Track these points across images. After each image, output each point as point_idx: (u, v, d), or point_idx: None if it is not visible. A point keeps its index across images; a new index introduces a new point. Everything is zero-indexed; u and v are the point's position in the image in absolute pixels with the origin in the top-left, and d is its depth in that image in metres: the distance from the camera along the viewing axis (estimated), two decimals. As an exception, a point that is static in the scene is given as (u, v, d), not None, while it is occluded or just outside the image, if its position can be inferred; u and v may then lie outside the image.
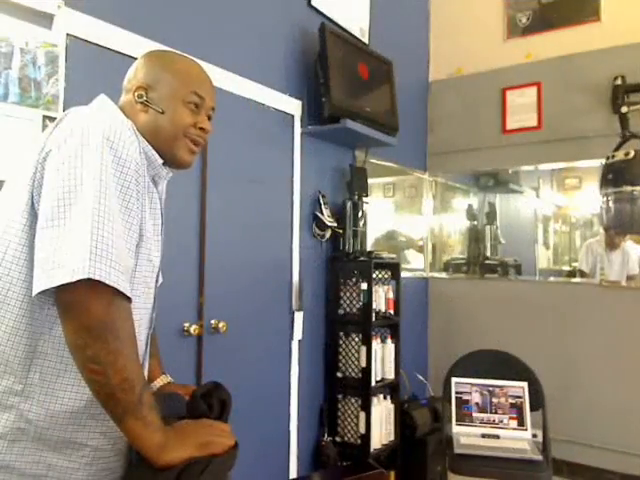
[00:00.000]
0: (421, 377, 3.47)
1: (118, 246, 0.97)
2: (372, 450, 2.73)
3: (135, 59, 1.18)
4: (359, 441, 2.73)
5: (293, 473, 2.67)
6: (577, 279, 3.42)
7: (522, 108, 3.57)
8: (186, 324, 2.13)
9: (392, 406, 2.94)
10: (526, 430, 2.58)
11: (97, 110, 1.09)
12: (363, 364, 2.73)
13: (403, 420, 3.01)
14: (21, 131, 1.62)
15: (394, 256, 3.11)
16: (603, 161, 3.04)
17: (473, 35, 3.81)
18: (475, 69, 3.78)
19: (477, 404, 2.65)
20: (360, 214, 2.94)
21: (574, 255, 3.53)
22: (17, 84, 1.61)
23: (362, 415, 2.72)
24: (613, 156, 2.97)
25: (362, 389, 2.74)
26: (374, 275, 2.82)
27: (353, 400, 2.78)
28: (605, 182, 2.97)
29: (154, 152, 1.13)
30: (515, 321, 3.50)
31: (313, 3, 2.83)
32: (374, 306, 2.80)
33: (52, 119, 1.64)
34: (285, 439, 2.64)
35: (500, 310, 3.57)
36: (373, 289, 2.77)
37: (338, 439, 2.81)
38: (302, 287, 2.72)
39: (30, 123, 1.63)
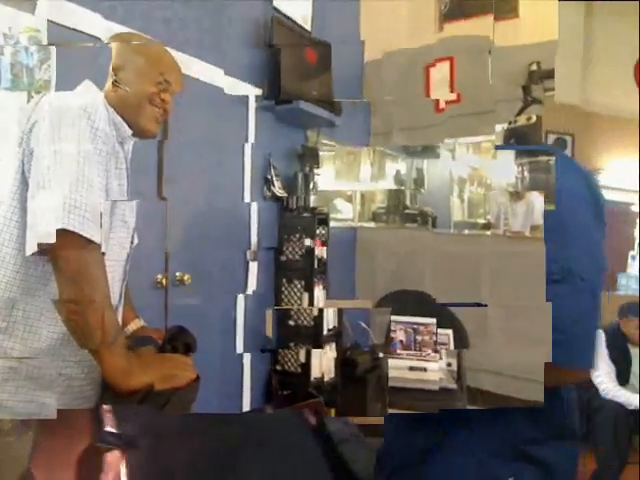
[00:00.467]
0: (364, 325, 3.85)
1: (92, 202, 1.06)
2: (312, 379, 2.94)
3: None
4: (299, 369, 2.96)
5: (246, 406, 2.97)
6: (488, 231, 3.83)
7: (442, 83, 3.92)
8: (159, 276, 2.40)
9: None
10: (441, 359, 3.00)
11: (78, 89, 1.26)
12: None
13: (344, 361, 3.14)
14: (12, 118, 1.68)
15: (325, 209, 3.35)
16: (505, 125, 3.41)
17: (402, 14, 4.09)
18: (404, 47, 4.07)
19: (401, 341, 3.07)
20: (312, 185, 3.28)
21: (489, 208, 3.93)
22: (9, 70, 1.75)
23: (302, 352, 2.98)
24: (515, 121, 3.33)
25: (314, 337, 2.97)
26: (317, 232, 3.15)
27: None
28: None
29: (123, 123, 1.25)
30: (434, 270, 3.91)
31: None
32: (316, 252, 3.10)
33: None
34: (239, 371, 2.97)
35: (420, 260, 3.97)
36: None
37: (279, 367, 3.01)
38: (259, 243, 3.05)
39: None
